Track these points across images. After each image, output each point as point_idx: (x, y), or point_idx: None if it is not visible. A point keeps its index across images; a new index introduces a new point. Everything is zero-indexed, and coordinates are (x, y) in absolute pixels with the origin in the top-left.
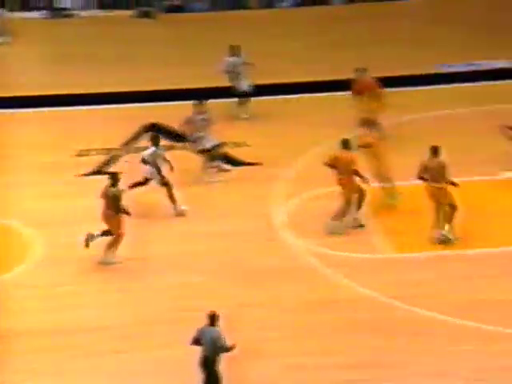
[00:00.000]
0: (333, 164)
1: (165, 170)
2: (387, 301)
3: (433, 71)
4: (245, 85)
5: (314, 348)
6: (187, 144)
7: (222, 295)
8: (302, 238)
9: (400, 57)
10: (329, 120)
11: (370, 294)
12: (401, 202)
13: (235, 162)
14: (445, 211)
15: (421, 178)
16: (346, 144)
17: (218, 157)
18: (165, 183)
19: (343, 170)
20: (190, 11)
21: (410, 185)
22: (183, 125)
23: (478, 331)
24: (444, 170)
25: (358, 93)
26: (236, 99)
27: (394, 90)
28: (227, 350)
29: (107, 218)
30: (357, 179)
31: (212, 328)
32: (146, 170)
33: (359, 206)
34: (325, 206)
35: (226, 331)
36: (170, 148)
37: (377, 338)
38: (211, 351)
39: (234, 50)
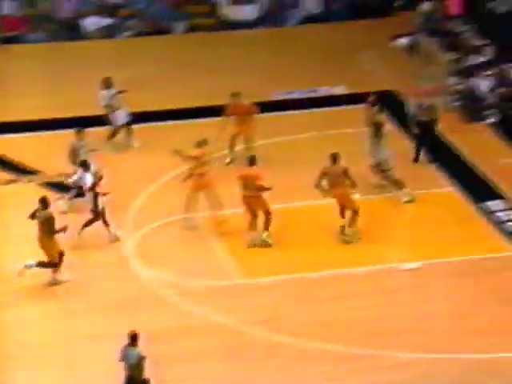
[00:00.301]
0: (241, 182)
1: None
2: (239, 326)
3: (274, 98)
4: (122, 115)
5: (167, 377)
6: (30, 177)
7: (66, 328)
8: (152, 267)
9: (242, 85)
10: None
11: (222, 321)
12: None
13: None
14: (348, 218)
15: (317, 186)
16: (252, 160)
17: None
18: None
19: (250, 186)
20: (24, 42)
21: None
22: (69, 155)
23: (329, 352)
24: (345, 175)
25: (232, 117)
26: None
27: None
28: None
29: (42, 241)
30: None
31: (132, 348)
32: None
33: (266, 227)
34: (174, 234)
35: (69, 366)
36: (14, 181)
37: (230, 364)
38: (134, 370)
39: (107, 82)
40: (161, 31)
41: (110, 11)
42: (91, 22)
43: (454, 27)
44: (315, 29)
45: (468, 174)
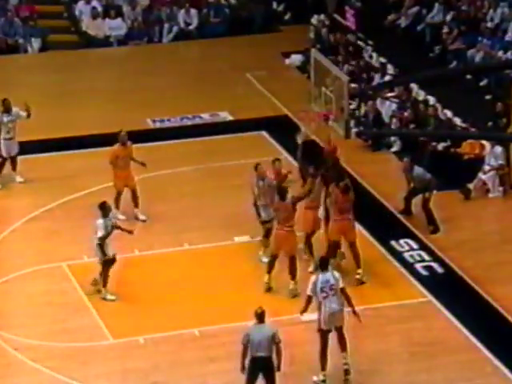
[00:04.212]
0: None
1: None
2: None
3: (146, 127)
4: (15, 145)
5: None
6: None
7: None
8: (4, 329)
9: (110, 111)
10: None
11: None
12: None
13: None
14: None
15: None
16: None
17: None
18: None
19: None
20: None
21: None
22: None
23: None
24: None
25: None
26: None
27: (103, 149)
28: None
29: None
30: None
31: (263, 325)
32: None
33: None
34: (18, 292)
35: None
36: None
37: None
38: (268, 350)
39: (6, 105)
40: (11, 49)
41: None
42: None
43: (350, 43)
44: (194, 46)
45: (374, 211)
